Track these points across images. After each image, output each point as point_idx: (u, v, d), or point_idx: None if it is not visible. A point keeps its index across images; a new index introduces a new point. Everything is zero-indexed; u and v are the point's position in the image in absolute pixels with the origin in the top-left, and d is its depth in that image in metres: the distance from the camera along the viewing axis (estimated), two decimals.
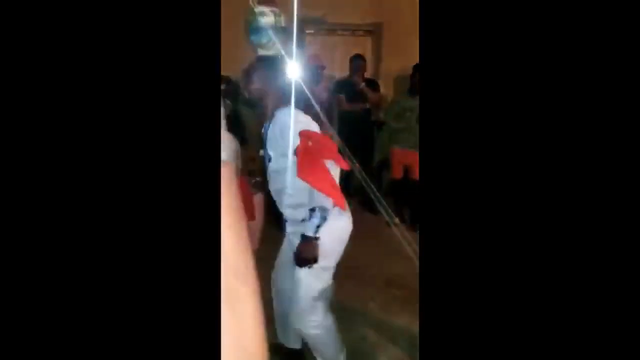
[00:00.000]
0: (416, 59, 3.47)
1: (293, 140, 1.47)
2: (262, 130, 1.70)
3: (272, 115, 1.61)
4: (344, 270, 2.17)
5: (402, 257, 2.70)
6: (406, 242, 2.53)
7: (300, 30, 4.32)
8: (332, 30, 4.54)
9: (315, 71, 3.96)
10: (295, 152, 1.45)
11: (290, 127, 1.48)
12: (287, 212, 1.69)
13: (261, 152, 1.75)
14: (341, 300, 2.28)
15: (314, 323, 1.66)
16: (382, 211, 3.67)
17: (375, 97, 3.82)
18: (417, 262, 2.03)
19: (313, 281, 1.61)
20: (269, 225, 3.38)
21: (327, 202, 1.46)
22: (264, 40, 1.95)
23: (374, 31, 4.61)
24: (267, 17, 2.03)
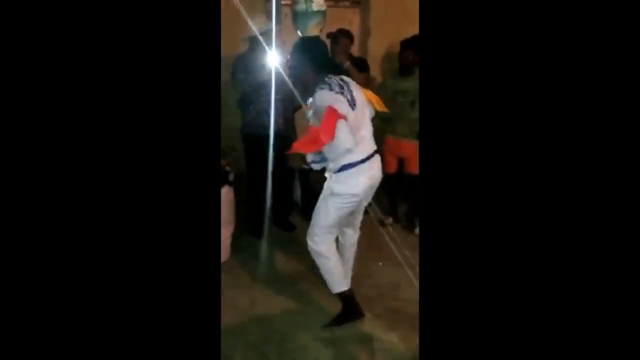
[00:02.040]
0: (407, 34, 2.97)
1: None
2: (308, 103, 2.02)
3: (315, 92, 1.92)
4: None
5: (396, 262, 2.51)
6: (396, 244, 2.54)
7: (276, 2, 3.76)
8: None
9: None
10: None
11: (320, 100, 1.88)
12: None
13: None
14: (333, 312, 2.21)
15: (318, 247, 2.04)
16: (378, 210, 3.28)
17: (360, 77, 3.29)
18: (414, 269, 2.32)
19: (327, 211, 2.00)
20: (243, 233, 2.96)
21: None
22: (298, 25, 2.40)
23: (361, 2, 4.06)
24: (299, 5, 2.52)
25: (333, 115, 1.79)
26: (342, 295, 2.11)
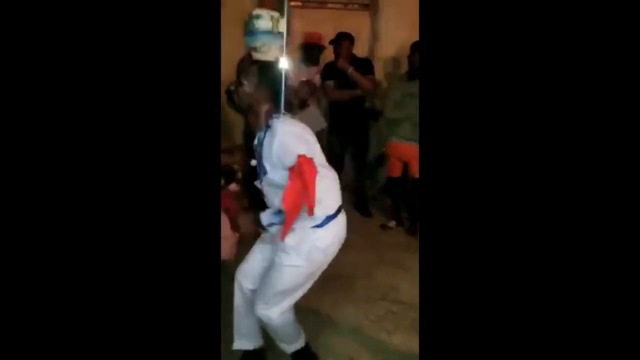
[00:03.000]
0: (417, 38, 2.96)
1: (289, 157, 1.44)
2: (256, 141, 1.62)
3: (268, 126, 1.55)
4: (332, 280, 2.18)
5: (399, 266, 2.51)
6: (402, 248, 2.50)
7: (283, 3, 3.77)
8: (322, 2, 3.98)
9: (313, 52, 3.40)
10: (289, 171, 1.44)
11: (289, 142, 1.47)
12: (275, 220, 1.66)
13: (253, 161, 1.66)
14: (330, 315, 2.21)
15: (278, 313, 1.63)
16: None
17: (366, 81, 3.27)
18: (414, 272, 2.28)
19: (288, 276, 1.57)
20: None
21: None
22: (258, 44, 1.89)
23: (370, 5, 4.05)
24: (263, 21, 2.01)
25: (311, 169, 1.41)
26: (302, 351, 1.83)
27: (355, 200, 3.58)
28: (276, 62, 1.68)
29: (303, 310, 2.26)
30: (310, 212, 1.42)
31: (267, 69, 1.61)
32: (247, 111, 1.63)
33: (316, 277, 1.64)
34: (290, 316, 1.70)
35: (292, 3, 3.72)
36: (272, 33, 1.88)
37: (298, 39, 3.45)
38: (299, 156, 1.41)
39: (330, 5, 3.96)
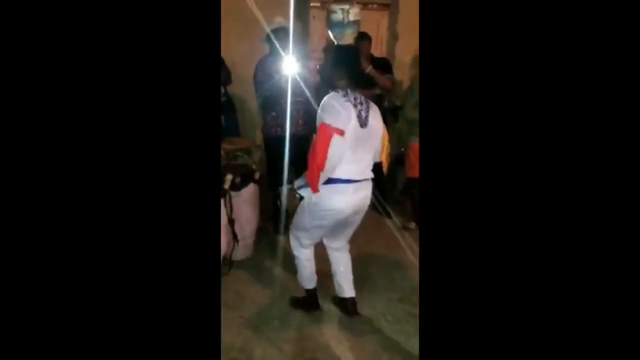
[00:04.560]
0: None
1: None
2: None
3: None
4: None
5: (416, 266, 2.47)
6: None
7: (304, 3, 3.77)
8: (340, 2, 3.98)
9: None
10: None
11: (320, 112, 1.82)
12: None
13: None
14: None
15: (295, 246, 2.17)
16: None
17: (385, 80, 3.26)
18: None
19: (304, 216, 2.04)
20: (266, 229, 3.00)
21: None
22: (335, 33, 2.51)
23: (391, 5, 4.04)
24: (336, 14, 2.66)
25: (325, 134, 1.74)
26: (307, 290, 2.27)
27: (375, 200, 3.56)
28: (349, 46, 2.11)
29: (329, 301, 2.31)
30: (317, 170, 1.76)
31: (340, 52, 1.97)
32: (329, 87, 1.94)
33: (324, 228, 2.03)
34: (305, 254, 2.15)
35: (312, 4, 3.73)
36: (344, 23, 2.52)
37: (317, 40, 3.47)
38: (321, 123, 1.75)
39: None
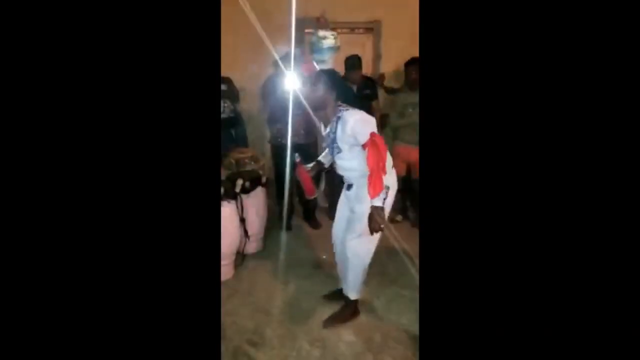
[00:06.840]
0: (414, 55, 3.43)
1: (363, 137, 1.87)
2: (328, 130, 2.05)
3: (338, 118, 1.95)
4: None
5: (405, 254, 2.75)
6: (398, 240, 2.78)
7: (299, 30, 4.30)
8: (332, 29, 4.47)
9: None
10: (363, 146, 1.87)
11: (363, 125, 1.87)
12: (350, 179, 2.14)
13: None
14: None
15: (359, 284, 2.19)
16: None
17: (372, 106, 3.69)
18: (413, 259, 2.72)
19: (367, 248, 2.13)
20: (274, 228, 3.34)
21: (390, 181, 1.93)
22: (325, 58, 2.69)
23: (374, 29, 4.57)
24: (328, 40, 2.83)
25: (382, 141, 1.86)
26: (355, 302, 2.27)
27: None
28: (336, 70, 2.15)
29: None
30: (382, 173, 1.84)
31: (332, 75, 2.04)
32: (318, 110, 2.03)
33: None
34: (361, 260, 2.15)
35: (307, 31, 4.22)
36: (334, 48, 2.70)
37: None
38: (372, 133, 1.85)
39: (339, 30, 4.47)
